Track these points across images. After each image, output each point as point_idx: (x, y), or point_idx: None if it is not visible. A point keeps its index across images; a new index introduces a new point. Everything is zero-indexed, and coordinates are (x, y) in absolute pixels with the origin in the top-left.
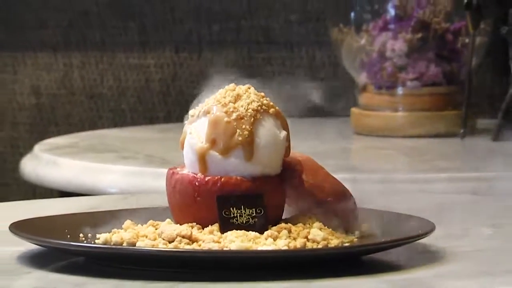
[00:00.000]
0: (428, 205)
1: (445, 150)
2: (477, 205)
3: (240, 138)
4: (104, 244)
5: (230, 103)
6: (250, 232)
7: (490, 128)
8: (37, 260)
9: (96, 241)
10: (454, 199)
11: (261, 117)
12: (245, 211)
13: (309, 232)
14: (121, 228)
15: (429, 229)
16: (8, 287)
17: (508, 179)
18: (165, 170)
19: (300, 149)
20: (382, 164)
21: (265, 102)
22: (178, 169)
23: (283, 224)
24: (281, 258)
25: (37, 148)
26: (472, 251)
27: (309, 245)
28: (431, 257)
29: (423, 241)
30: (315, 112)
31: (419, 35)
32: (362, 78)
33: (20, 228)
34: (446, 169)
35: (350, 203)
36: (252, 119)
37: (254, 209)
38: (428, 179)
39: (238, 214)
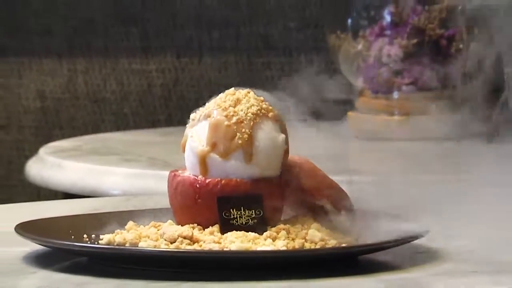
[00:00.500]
0: (424, 206)
1: (440, 153)
2: (472, 206)
3: (240, 141)
4: (107, 244)
5: (230, 107)
6: (250, 233)
7: (484, 131)
8: (42, 260)
9: (100, 241)
10: (449, 200)
11: (260, 120)
12: (245, 212)
13: (307, 233)
14: (124, 229)
15: (425, 230)
16: (14, 287)
17: (502, 181)
18: (167, 173)
19: (298, 152)
20: (378, 167)
21: (264, 106)
22: (180, 171)
23: (282, 225)
24: (280, 258)
25: (42, 151)
26: (467, 251)
27: (307, 245)
28: (427, 257)
29: (419, 241)
30: (313, 115)
31: (414, 41)
32: (359, 82)
33: (25, 229)
34: (441, 171)
35: (348, 205)
36: (252, 122)
37: (253, 211)
38: (424, 181)
39: (238, 215)
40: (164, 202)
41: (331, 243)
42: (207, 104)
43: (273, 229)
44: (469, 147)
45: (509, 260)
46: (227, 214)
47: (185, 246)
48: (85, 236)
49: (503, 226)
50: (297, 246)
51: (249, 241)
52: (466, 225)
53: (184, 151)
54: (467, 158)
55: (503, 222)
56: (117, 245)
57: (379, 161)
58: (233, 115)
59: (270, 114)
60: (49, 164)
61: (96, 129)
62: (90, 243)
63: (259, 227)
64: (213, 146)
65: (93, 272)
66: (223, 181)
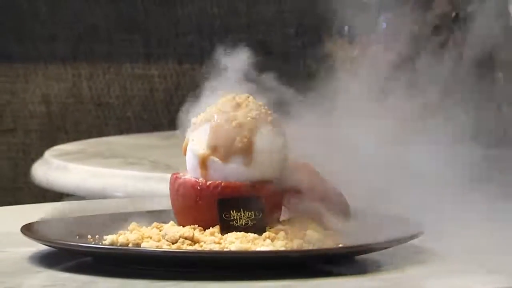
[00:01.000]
0: (420, 208)
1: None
2: (467, 207)
3: (239, 145)
4: (111, 245)
5: (230, 112)
6: (249, 233)
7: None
8: (47, 260)
9: (103, 242)
10: (444, 201)
11: (259, 125)
12: (244, 214)
13: (305, 234)
14: (127, 230)
15: (419, 231)
16: (20, 286)
17: (498, 182)
18: (168, 175)
19: (296, 155)
20: (375, 169)
21: (263, 110)
22: (181, 174)
23: (280, 226)
24: (278, 258)
25: (48, 154)
26: (464, 251)
27: (305, 246)
28: (423, 257)
29: (415, 241)
30: (310, 119)
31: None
32: (355, 87)
33: (31, 229)
34: (436, 172)
35: (344, 206)
36: (251, 126)
37: (253, 212)
38: (420, 182)
39: (238, 217)
40: (166, 203)
41: (328, 243)
42: (207, 108)
43: (272, 230)
44: (463, 151)
45: (505, 260)
46: (227, 215)
47: (186, 247)
48: (89, 236)
49: (499, 226)
50: (295, 247)
51: (249, 241)
52: (462, 224)
53: (185, 154)
54: (462, 160)
55: (499, 222)
56: (120, 245)
57: (375, 163)
58: (233, 120)
59: (269, 119)
60: (54, 167)
61: (100, 133)
62: (94, 244)
63: (258, 228)
64: (214, 149)
65: (97, 272)
66: (223, 184)
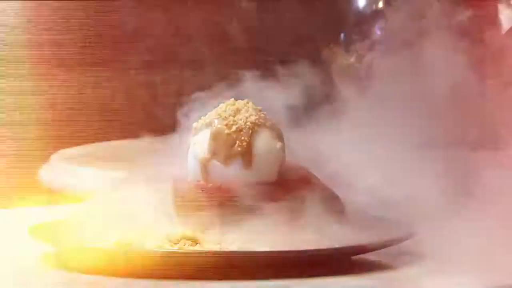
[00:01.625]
0: (417, 209)
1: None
2: (464, 208)
3: (239, 149)
4: (116, 245)
5: (230, 117)
6: (249, 234)
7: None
8: (53, 260)
9: (108, 242)
10: (441, 203)
11: (258, 129)
12: (244, 215)
13: (303, 234)
14: (131, 231)
15: (415, 231)
16: (27, 285)
17: (493, 182)
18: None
19: (294, 158)
20: (372, 171)
21: (262, 115)
22: (183, 176)
23: (279, 226)
24: (278, 258)
25: (54, 157)
26: (459, 251)
27: (303, 246)
28: (419, 257)
29: (410, 241)
30: (308, 123)
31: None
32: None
33: (38, 231)
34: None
35: (341, 208)
36: (250, 131)
37: (252, 213)
38: (415, 184)
39: (238, 218)
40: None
41: (326, 244)
42: (208, 113)
43: (271, 230)
44: (460, 153)
45: (503, 260)
46: (227, 216)
47: (188, 247)
48: (94, 237)
49: (491, 226)
50: (294, 247)
51: (249, 241)
52: (457, 227)
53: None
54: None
55: (491, 222)
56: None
57: (370, 165)
58: (233, 124)
59: (268, 123)
60: (60, 170)
61: (105, 137)
62: (99, 244)
63: (257, 228)
64: (214, 153)
65: (102, 271)
66: (223, 186)
